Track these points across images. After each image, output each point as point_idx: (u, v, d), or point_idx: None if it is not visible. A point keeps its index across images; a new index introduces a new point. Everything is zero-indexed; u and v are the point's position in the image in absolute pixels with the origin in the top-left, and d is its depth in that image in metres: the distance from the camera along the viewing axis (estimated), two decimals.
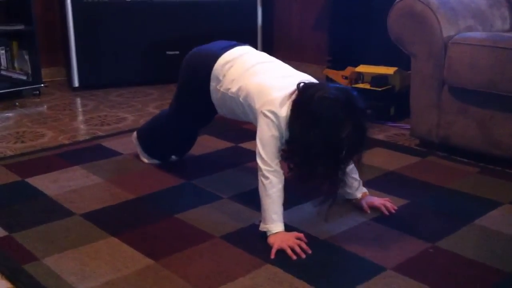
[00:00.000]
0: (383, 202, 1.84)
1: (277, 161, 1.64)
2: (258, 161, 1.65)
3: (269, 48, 4.10)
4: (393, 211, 1.82)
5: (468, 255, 1.57)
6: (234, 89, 1.78)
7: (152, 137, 2.27)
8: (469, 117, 2.25)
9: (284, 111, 1.61)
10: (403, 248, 1.62)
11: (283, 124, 1.61)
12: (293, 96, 1.62)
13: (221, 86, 1.84)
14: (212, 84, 1.87)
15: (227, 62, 1.84)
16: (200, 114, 2.08)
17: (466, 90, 2.22)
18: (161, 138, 2.24)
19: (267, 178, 1.63)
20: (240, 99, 1.76)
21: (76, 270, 1.53)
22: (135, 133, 2.35)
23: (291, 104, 1.61)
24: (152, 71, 3.71)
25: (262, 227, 1.66)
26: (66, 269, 1.53)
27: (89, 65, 3.56)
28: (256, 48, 3.76)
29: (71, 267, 1.54)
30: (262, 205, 1.65)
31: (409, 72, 2.50)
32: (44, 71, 3.61)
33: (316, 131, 1.53)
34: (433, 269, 1.52)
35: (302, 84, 1.63)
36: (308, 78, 1.73)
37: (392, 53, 2.78)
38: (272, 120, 1.62)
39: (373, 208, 1.83)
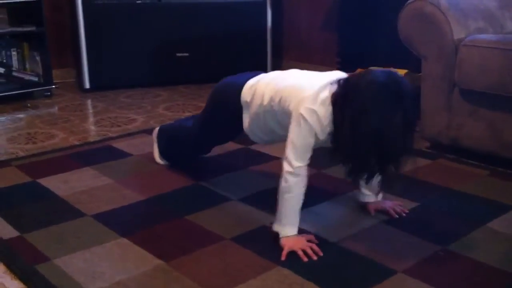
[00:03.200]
0: (392, 205, 1.83)
1: (302, 165, 1.61)
2: (284, 162, 1.62)
3: (278, 49, 4.10)
4: (404, 214, 1.81)
5: (479, 258, 1.56)
6: (265, 102, 1.74)
7: (171, 142, 2.28)
8: (479, 119, 2.24)
9: (322, 108, 1.56)
10: (413, 251, 1.61)
11: (323, 119, 1.56)
12: (332, 89, 1.56)
13: (252, 108, 1.80)
14: (244, 111, 1.83)
15: (251, 86, 1.81)
16: (225, 136, 2.10)
17: (477, 92, 2.21)
18: (179, 147, 2.25)
19: (287, 181, 1.61)
20: (274, 108, 1.71)
21: (86, 270, 1.53)
22: (156, 129, 2.35)
23: (331, 97, 1.55)
24: (161, 72, 3.72)
25: (275, 228, 1.65)
26: (76, 269, 1.54)
27: (99, 67, 3.58)
28: (266, 50, 3.82)
29: (81, 267, 1.55)
30: (279, 206, 1.64)
31: (419, 74, 2.49)
32: (55, 73, 3.64)
33: (366, 118, 1.46)
34: (443, 272, 1.51)
35: (342, 77, 1.58)
36: (341, 74, 1.68)
37: (401, 55, 2.77)
38: (309, 123, 1.57)
39: (382, 211, 1.83)
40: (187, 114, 3.09)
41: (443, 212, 1.86)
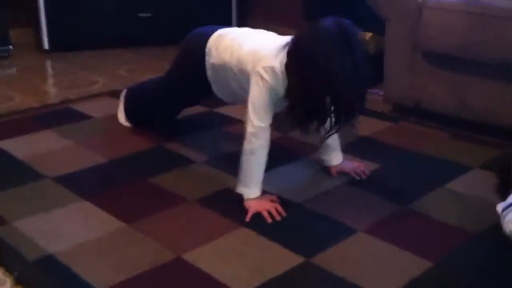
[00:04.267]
0: (354, 167, 1.85)
1: (264, 125, 1.61)
2: (247, 124, 1.62)
3: (244, 9, 4.04)
4: (364, 176, 1.84)
5: (437, 218, 1.60)
6: (226, 57, 1.76)
7: (137, 102, 2.24)
8: (441, 82, 2.27)
9: (278, 64, 1.57)
10: (374, 211, 1.64)
11: (280, 74, 1.57)
12: (287, 48, 1.56)
13: (214, 58, 1.81)
14: (207, 58, 1.84)
15: (219, 35, 1.84)
16: (190, 93, 2.06)
17: (439, 55, 2.23)
18: (145, 107, 2.21)
19: (250, 142, 1.61)
20: (232, 66, 1.74)
21: (47, 233, 1.51)
22: (125, 91, 2.31)
23: (285, 56, 1.55)
24: (123, 33, 3.62)
25: (239, 190, 1.66)
26: (37, 232, 1.51)
27: (59, 27, 3.45)
28: (230, 10, 3.76)
29: (42, 230, 1.53)
30: (242, 168, 1.64)
31: (383, 37, 2.49)
32: (12, 33, 3.50)
33: (312, 66, 1.47)
34: (402, 231, 1.55)
35: (294, 36, 1.58)
36: None
37: (367, 17, 2.76)
38: (265, 80, 1.58)
39: (344, 173, 1.84)
40: (150, 76, 3.02)
41: (403, 173, 1.89)
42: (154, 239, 1.49)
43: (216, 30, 1.89)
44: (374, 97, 2.69)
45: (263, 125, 1.61)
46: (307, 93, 1.51)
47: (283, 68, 1.56)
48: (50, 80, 3.02)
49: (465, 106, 2.22)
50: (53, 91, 2.81)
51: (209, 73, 1.85)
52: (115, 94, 2.47)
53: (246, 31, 1.86)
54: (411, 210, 1.65)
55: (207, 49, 1.84)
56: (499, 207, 1.47)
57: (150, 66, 3.25)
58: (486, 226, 1.54)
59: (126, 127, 2.26)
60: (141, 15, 3.60)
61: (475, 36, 2.09)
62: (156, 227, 1.55)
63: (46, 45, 3.47)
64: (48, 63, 3.33)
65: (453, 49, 2.16)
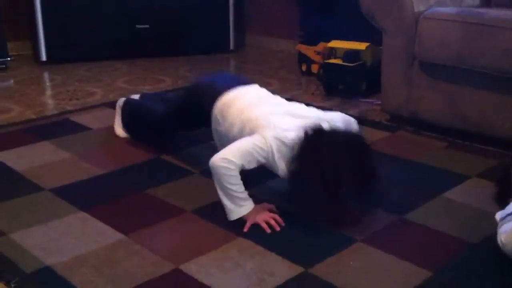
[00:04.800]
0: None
1: (234, 161, 1.55)
2: (215, 156, 1.57)
3: (241, 22, 4.06)
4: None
5: (435, 227, 1.60)
6: (234, 131, 1.72)
7: (136, 119, 2.24)
8: (438, 92, 2.28)
9: (279, 147, 1.58)
10: (373, 220, 1.64)
11: (279, 155, 1.58)
12: (298, 135, 1.56)
13: (220, 127, 1.79)
14: (213, 126, 1.83)
15: (226, 104, 1.78)
16: (190, 126, 2.06)
17: (436, 65, 2.24)
18: (143, 126, 2.20)
19: (218, 169, 1.56)
20: (244, 135, 1.68)
21: (44, 245, 1.51)
22: (122, 100, 2.30)
23: (297, 146, 1.56)
24: (121, 45, 3.64)
25: (233, 216, 1.60)
26: (34, 244, 1.51)
27: (56, 39, 3.47)
28: (228, 23, 3.78)
29: (39, 242, 1.52)
30: (223, 195, 1.59)
31: (380, 47, 2.51)
32: (10, 45, 3.51)
33: (320, 170, 1.51)
34: (400, 240, 1.55)
35: (310, 130, 1.57)
36: (313, 113, 1.72)
37: (364, 28, 2.78)
38: (263, 148, 1.57)
39: None
40: (148, 87, 3.04)
41: (401, 183, 1.89)
42: (152, 250, 1.48)
43: (225, 89, 1.81)
44: (372, 107, 2.71)
45: (233, 160, 1.56)
46: (311, 188, 1.53)
47: (282, 152, 1.57)
48: (48, 92, 3.02)
49: (461, 116, 2.23)
50: (51, 103, 2.81)
51: (214, 134, 1.86)
52: (113, 106, 2.47)
53: (253, 100, 1.78)
54: (409, 219, 1.65)
55: (213, 116, 1.80)
56: (498, 215, 1.48)
57: (148, 77, 3.27)
58: (484, 235, 1.54)
59: (124, 138, 2.26)
60: (139, 26, 3.62)
61: (471, 46, 2.10)
62: (154, 239, 1.54)
63: (43, 57, 3.48)
64: (46, 75, 3.34)
65: (450, 60, 2.18)
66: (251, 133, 1.65)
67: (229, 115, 1.75)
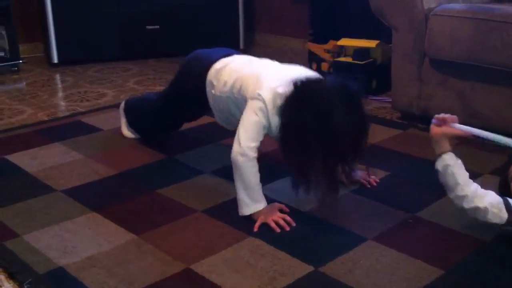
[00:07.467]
0: (365, 176, 1.84)
1: (252, 145, 1.59)
2: (234, 143, 1.61)
3: (251, 22, 4.06)
4: (375, 184, 1.83)
5: (447, 225, 1.59)
6: (227, 88, 1.76)
7: (138, 116, 2.25)
8: (449, 89, 2.26)
9: (273, 100, 1.58)
10: (383, 218, 1.63)
11: (273, 111, 1.58)
12: (287, 90, 1.57)
13: (215, 90, 1.81)
14: (208, 89, 1.85)
15: (219, 69, 1.82)
16: (189, 112, 2.08)
17: (446, 62, 2.23)
18: (146, 120, 2.22)
19: (237, 162, 1.59)
20: (235, 94, 1.73)
21: (57, 245, 1.52)
22: (123, 104, 2.32)
23: (284, 98, 1.56)
24: (131, 46, 3.66)
25: (244, 212, 1.62)
26: (47, 245, 1.52)
27: (67, 41, 3.50)
28: (238, 23, 3.78)
29: (52, 243, 1.53)
30: (239, 188, 1.61)
31: (390, 45, 2.50)
32: (22, 47, 3.55)
33: (310, 116, 1.49)
34: (412, 238, 1.54)
35: (298, 82, 1.58)
36: (305, 72, 1.70)
37: (373, 26, 2.77)
38: (260, 106, 1.59)
39: (355, 182, 1.84)
40: (159, 88, 3.05)
41: (413, 180, 1.88)
42: (163, 250, 1.49)
43: (218, 56, 1.86)
44: (382, 104, 2.69)
45: (251, 145, 1.59)
46: (301, 139, 1.52)
47: (275, 107, 1.58)
48: (60, 94, 3.04)
49: (473, 112, 2.21)
50: (62, 105, 2.83)
51: (211, 102, 1.86)
52: None
53: (246, 61, 1.84)
54: (421, 217, 1.64)
55: (207, 81, 1.84)
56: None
57: (159, 78, 3.28)
58: (496, 233, 1.52)
59: (134, 139, 2.27)
60: (149, 27, 3.63)
61: (482, 42, 2.08)
62: (165, 239, 1.55)
63: (55, 59, 3.50)
64: (58, 77, 3.36)
65: (460, 56, 2.16)
66: (241, 88, 1.69)
67: (222, 76, 1.79)
